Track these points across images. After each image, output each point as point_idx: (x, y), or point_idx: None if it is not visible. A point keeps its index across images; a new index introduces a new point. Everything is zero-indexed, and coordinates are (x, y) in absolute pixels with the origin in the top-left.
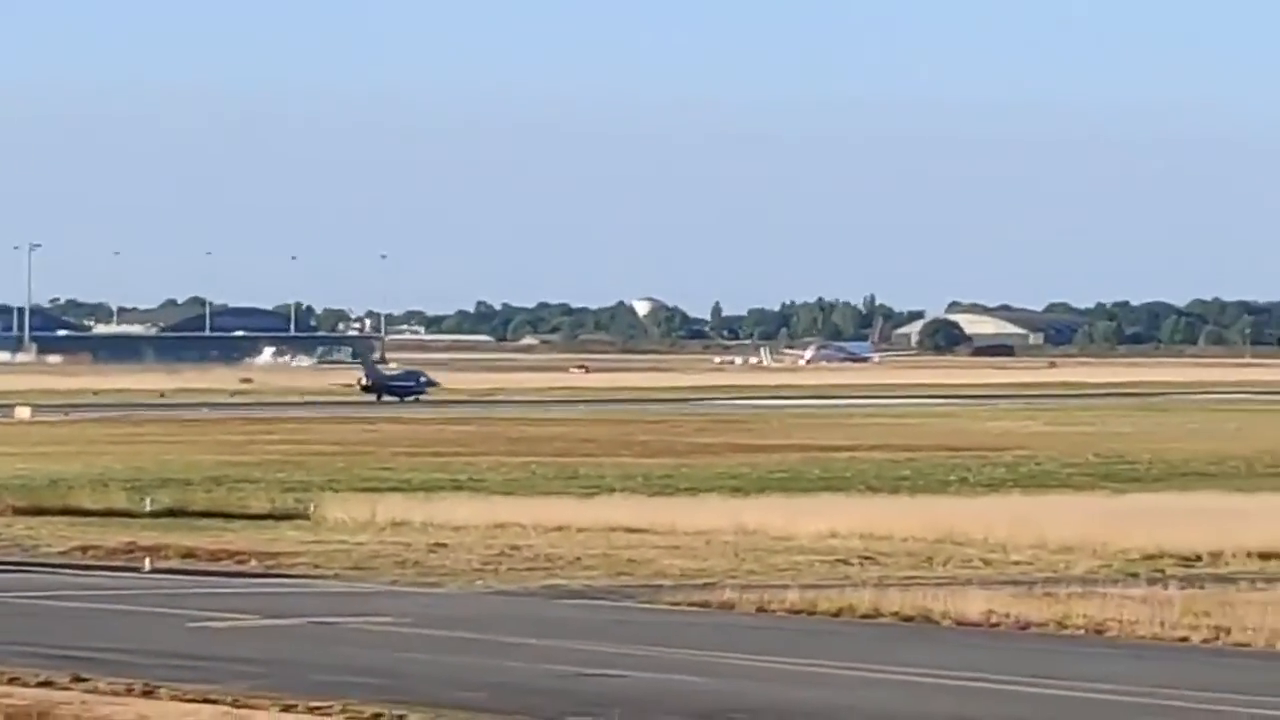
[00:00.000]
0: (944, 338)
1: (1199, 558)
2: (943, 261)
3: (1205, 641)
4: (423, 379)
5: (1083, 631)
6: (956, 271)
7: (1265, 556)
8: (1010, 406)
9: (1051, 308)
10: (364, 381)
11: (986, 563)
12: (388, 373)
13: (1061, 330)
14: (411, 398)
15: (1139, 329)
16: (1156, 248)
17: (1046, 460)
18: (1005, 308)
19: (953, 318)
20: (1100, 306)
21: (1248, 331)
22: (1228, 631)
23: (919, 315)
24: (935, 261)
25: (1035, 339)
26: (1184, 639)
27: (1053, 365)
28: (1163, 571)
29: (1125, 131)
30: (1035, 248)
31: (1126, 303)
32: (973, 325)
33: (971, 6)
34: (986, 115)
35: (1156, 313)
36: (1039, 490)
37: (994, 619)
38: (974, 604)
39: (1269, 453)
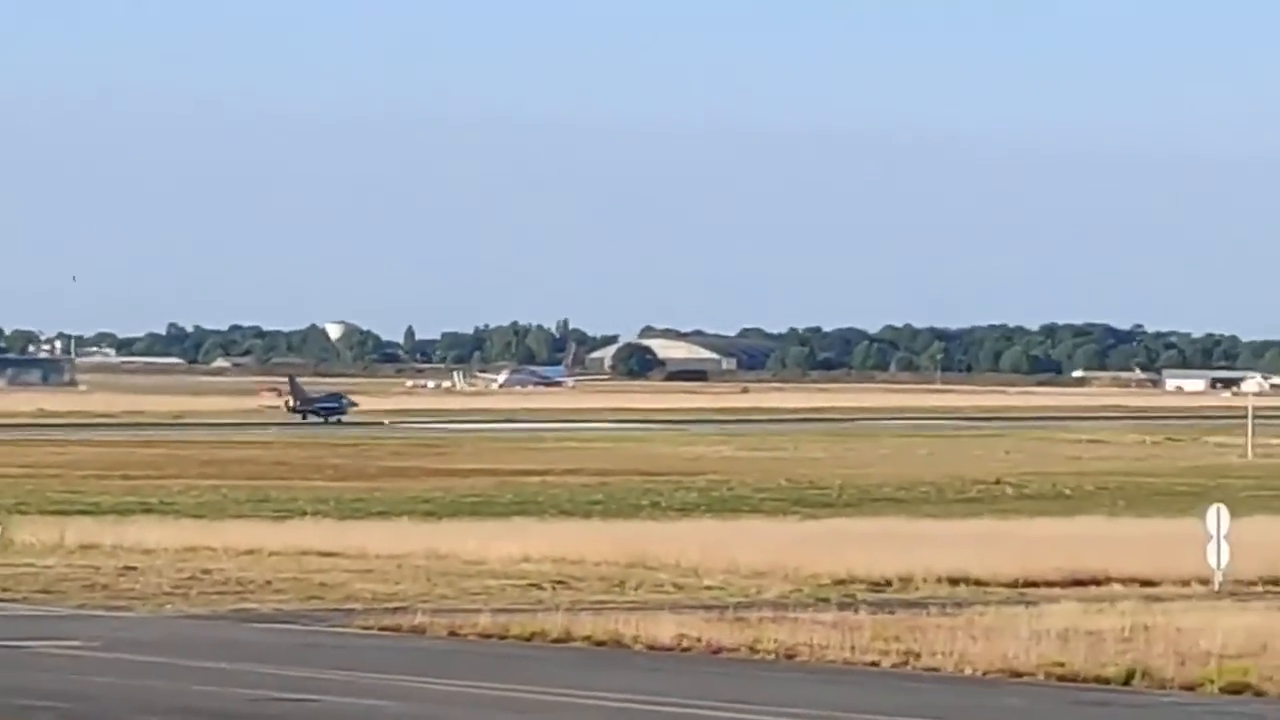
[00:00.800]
0: (637, 362)
1: (889, 583)
2: (636, 286)
3: (895, 666)
4: (344, 401)
5: (774, 656)
6: (650, 296)
7: (954, 581)
8: (703, 431)
9: (744, 333)
10: (290, 403)
11: (678, 587)
12: (313, 394)
13: (754, 355)
14: (335, 418)
15: (831, 355)
16: (849, 274)
17: (739, 485)
18: (699, 333)
19: (646, 342)
20: (793, 332)
21: (939, 358)
22: (917, 656)
23: (612, 340)
24: (628, 286)
25: (728, 364)
26: (874, 663)
27: (745, 390)
28: (853, 596)
29: (813, 158)
30: (728, 274)
31: (819, 328)
32: (666, 350)
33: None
34: (675, 139)
35: (848, 339)
36: (731, 515)
37: (685, 643)
38: (665, 628)
39: (958, 478)
